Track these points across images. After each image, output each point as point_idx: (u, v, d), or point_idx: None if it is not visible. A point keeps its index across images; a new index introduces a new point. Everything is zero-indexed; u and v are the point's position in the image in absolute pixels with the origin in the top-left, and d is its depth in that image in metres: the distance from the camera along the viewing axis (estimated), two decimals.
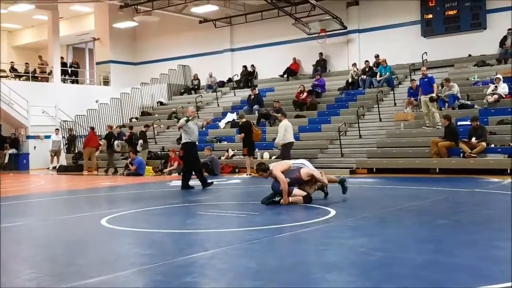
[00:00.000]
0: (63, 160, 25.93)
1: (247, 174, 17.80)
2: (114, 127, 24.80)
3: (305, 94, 22.85)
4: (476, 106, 18.19)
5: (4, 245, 6.63)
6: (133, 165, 20.05)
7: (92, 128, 24.15)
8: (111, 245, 6.65)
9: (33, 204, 12.30)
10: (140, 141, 22.04)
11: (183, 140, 13.77)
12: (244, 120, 18.45)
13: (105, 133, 26.78)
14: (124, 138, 23.46)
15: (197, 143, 13.93)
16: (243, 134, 17.99)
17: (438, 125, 17.68)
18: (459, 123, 17.52)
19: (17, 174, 24.07)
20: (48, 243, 6.95)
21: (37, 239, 7.30)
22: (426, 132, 17.82)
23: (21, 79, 29.79)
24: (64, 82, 30.38)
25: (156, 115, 27.72)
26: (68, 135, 26.76)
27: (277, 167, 9.67)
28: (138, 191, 14.32)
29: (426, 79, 18.18)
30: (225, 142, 22.18)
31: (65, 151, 26.51)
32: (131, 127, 23.91)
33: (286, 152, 16.41)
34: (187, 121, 13.42)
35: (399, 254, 5.56)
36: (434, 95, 17.88)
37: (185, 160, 13.93)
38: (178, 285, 4.58)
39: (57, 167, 24.90)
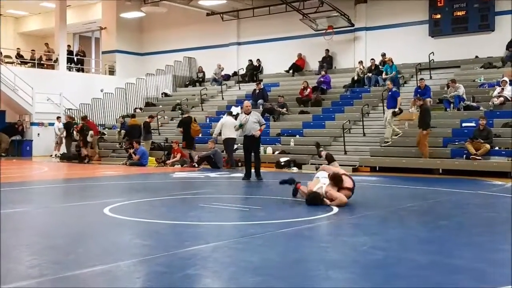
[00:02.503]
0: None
1: (193, 165, 19.20)
2: (119, 117, 24.90)
3: (308, 90, 22.84)
4: (481, 108, 18.15)
5: (6, 231, 6.64)
6: (136, 155, 20.07)
7: (85, 117, 24.12)
8: (114, 235, 6.67)
9: (36, 191, 12.32)
10: (91, 132, 22.83)
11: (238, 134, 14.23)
12: (186, 115, 20.32)
13: (110, 122, 26.94)
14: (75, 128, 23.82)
15: (250, 135, 13.82)
16: (181, 129, 19.95)
17: (386, 140, 17.92)
18: (463, 124, 17.52)
19: (20, 160, 24.10)
20: (50, 231, 6.96)
21: (39, 227, 7.32)
22: (431, 132, 17.79)
23: (26, 65, 29.80)
24: (69, 70, 30.40)
25: (161, 106, 27.73)
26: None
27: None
28: (141, 182, 14.34)
29: (390, 93, 18.28)
30: None
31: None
32: (83, 118, 24.05)
33: (227, 147, 18.64)
34: (240, 126, 13.82)
35: (401, 254, 5.56)
36: (396, 109, 17.92)
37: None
38: (180, 277, 4.59)
39: (57, 154, 24.90)
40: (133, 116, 23.52)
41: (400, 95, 18.80)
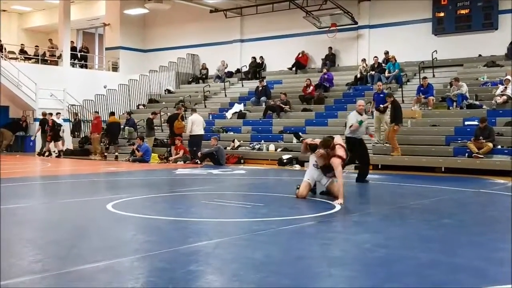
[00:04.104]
0: (69, 144, 26.00)
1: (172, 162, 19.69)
2: (124, 113, 25.13)
3: (311, 88, 22.83)
4: (484, 107, 18.14)
5: (9, 226, 6.68)
6: (140, 151, 20.12)
7: (97, 113, 24.45)
8: (116, 230, 6.70)
9: (39, 187, 12.36)
10: (62, 127, 24.29)
11: (346, 133, 12.75)
12: (176, 111, 21.03)
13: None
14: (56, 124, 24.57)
15: (359, 138, 12.63)
16: (168, 124, 20.81)
17: (387, 142, 17.84)
18: (466, 122, 17.50)
19: (23, 156, 24.18)
20: (53, 226, 6.99)
21: (42, 222, 7.35)
22: (432, 130, 17.82)
23: (30, 61, 29.83)
24: (73, 67, 30.38)
25: (164, 103, 27.72)
26: (73, 120, 26.89)
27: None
28: (144, 178, 14.36)
29: (382, 95, 18.23)
30: (231, 133, 22.22)
31: (71, 135, 26.65)
32: (50, 114, 24.89)
33: (194, 143, 19.61)
34: (360, 123, 12.42)
35: (403, 252, 5.58)
36: (382, 106, 17.89)
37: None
38: (182, 273, 4.60)
39: (63, 149, 25.02)
40: (112, 114, 24.15)
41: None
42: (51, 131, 23.98)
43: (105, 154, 22.43)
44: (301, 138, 9.97)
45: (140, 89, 29.43)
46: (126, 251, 5.44)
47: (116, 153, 22.17)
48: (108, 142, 22.90)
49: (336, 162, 8.89)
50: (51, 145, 24.32)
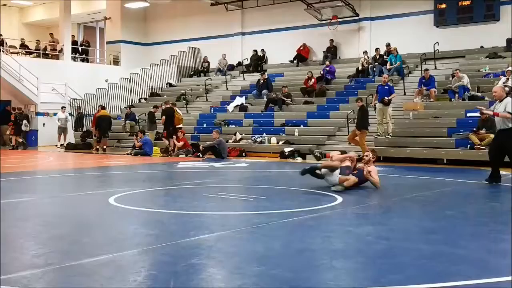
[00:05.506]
0: (71, 138, 26.03)
1: (168, 155, 19.84)
2: (126, 107, 25.10)
3: (313, 80, 22.81)
4: (486, 98, 18.08)
5: (11, 221, 6.69)
6: (139, 142, 20.08)
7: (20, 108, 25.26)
8: (118, 224, 6.71)
9: (41, 181, 12.37)
10: (24, 121, 25.35)
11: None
12: (168, 106, 21.12)
13: (115, 113, 26.98)
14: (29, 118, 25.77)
15: (500, 128, 10.61)
16: (164, 118, 20.55)
17: (389, 135, 17.83)
18: (468, 114, 17.45)
19: (26, 150, 24.19)
20: (55, 220, 6.99)
21: (44, 216, 7.34)
22: (434, 122, 17.79)
23: (31, 56, 29.81)
24: (74, 61, 30.41)
25: (165, 96, 27.67)
26: (76, 114, 26.89)
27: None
28: (146, 171, 14.36)
29: (386, 87, 18.14)
30: (233, 126, 22.20)
31: (73, 129, 26.67)
32: (14, 109, 25.77)
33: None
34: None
35: (405, 243, 5.57)
36: (386, 98, 17.79)
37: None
38: (184, 266, 4.61)
39: (64, 144, 25.06)
40: (102, 108, 24.21)
41: (395, 91, 18.85)
42: (14, 125, 24.75)
43: (104, 147, 22.47)
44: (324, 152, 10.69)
45: (141, 83, 29.45)
46: (128, 244, 5.45)
47: (105, 147, 22.63)
48: (98, 136, 22.97)
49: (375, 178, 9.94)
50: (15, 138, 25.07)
